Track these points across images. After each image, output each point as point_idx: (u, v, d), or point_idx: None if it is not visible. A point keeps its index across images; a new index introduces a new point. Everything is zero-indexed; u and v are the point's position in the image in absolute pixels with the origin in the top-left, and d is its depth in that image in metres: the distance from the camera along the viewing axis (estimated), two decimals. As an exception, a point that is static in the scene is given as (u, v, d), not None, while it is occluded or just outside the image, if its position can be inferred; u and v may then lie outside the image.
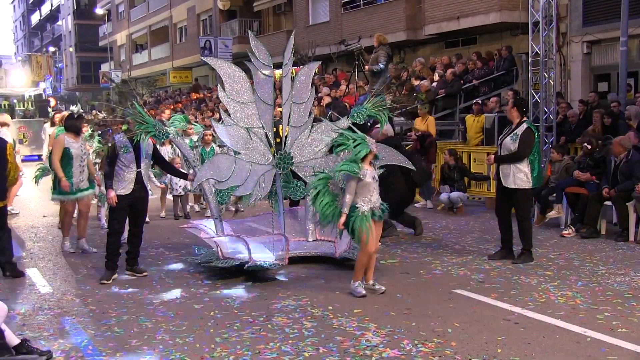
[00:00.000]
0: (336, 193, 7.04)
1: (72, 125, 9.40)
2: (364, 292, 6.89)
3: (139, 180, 7.87)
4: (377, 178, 6.95)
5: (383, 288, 7.02)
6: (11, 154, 7.96)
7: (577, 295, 6.82)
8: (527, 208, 8.53)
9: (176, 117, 12.81)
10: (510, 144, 8.12)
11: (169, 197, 12.59)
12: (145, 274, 8.01)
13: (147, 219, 11.76)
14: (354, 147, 6.83)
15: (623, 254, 8.70)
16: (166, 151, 12.60)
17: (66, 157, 9.11)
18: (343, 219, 6.78)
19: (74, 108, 11.47)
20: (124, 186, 7.80)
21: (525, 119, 8.27)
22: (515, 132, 8.13)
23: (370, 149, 6.82)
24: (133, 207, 7.96)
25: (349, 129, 7.73)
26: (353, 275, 7.02)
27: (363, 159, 6.81)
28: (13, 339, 5.17)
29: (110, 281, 7.69)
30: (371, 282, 7.06)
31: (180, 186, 11.99)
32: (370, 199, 6.82)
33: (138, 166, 7.84)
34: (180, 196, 12.23)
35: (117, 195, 7.74)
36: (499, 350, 5.32)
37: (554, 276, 7.61)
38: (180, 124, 12.66)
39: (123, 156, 7.77)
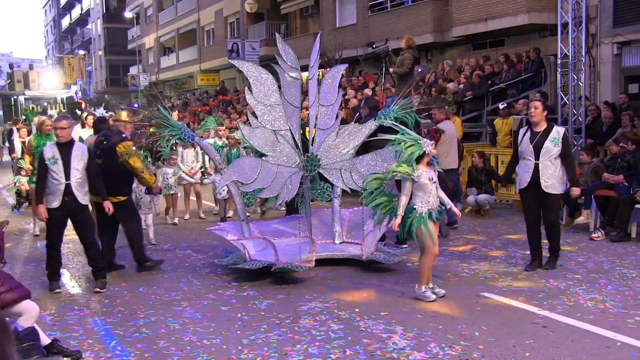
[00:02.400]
0: (394, 194, 6.99)
1: (102, 129, 9.58)
2: (433, 297, 6.77)
3: (69, 191, 7.42)
4: (435, 179, 6.79)
5: (443, 291, 6.90)
6: (122, 154, 8.12)
7: (606, 299, 6.73)
8: (558, 212, 8.38)
9: (209, 118, 12.99)
10: (552, 147, 7.75)
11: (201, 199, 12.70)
12: (97, 289, 7.51)
13: (176, 221, 11.87)
14: (406, 148, 6.77)
15: (654, 258, 8.58)
16: (190, 154, 12.68)
17: None
18: (398, 220, 6.67)
19: (99, 111, 11.65)
20: (54, 199, 7.43)
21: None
22: (552, 135, 7.78)
23: (424, 150, 6.71)
24: (72, 220, 7.63)
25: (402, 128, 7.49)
26: (418, 281, 6.90)
27: (419, 160, 6.72)
28: (44, 339, 5.26)
29: (55, 291, 7.48)
30: (430, 284, 6.95)
31: (224, 189, 11.71)
32: (429, 201, 6.70)
33: (67, 178, 7.40)
34: (225, 199, 12.10)
35: (48, 209, 7.43)
36: (527, 354, 5.27)
37: (582, 279, 7.52)
38: (212, 125, 12.88)
39: (51, 168, 7.39)
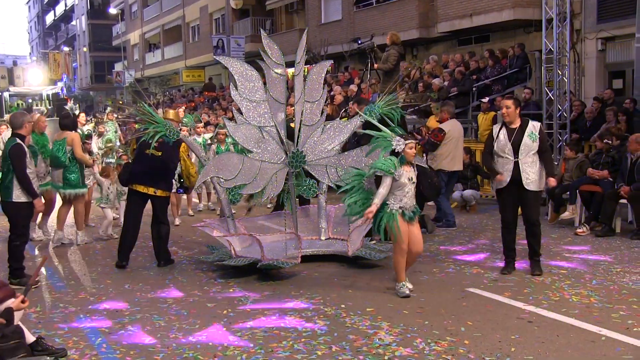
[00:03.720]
0: (371, 191, 6.96)
1: (66, 124, 9.91)
2: (407, 292, 6.79)
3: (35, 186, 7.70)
4: (414, 180, 6.80)
5: (408, 291, 6.85)
6: (183, 152, 8.69)
7: (591, 293, 6.77)
8: (539, 210, 8.16)
9: (187, 116, 13.01)
10: (530, 143, 7.47)
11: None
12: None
13: (177, 222, 11.65)
14: (378, 143, 6.78)
15: (638, 253, 8.61)
16: None
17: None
18: (372, 207, 6.62)
19: (68, 105, 11.83)
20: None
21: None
22: (528, 130, 7.49)
23: (393, 148, 6.71)
24: None
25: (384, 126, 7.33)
26: (396, 277, 6.94)
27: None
28: (29, 337, 5.21)
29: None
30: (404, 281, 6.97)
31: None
32: (402, 199, 6.73)
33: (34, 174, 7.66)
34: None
35: (24, 203, 7.42)
36: (513, 349, 5.29)
37: (568, 274, 7.56)
38: (189, 122, 12.88)
39: (31, 163, 7.51)
